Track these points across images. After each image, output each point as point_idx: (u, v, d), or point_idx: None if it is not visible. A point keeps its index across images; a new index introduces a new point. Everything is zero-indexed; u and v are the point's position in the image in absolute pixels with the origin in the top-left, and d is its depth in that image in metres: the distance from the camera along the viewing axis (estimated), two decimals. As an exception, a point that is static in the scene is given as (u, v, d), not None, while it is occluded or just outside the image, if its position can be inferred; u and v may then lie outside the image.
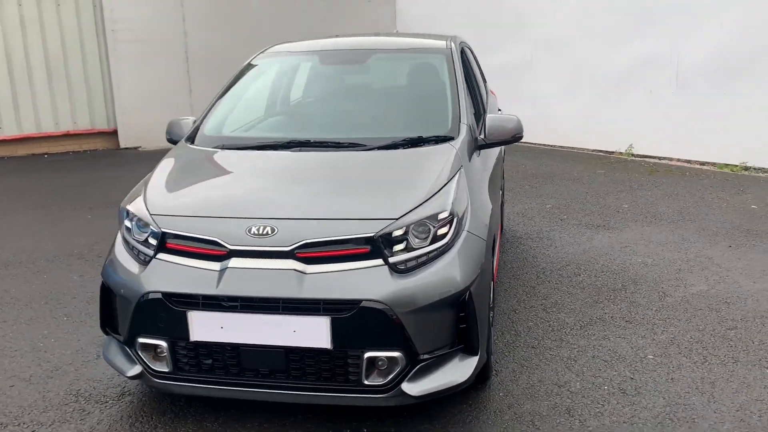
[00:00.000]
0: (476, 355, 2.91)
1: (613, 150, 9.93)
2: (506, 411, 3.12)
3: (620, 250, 5.36)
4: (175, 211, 3.05)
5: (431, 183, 3.06)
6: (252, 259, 2.81)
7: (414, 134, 3.56)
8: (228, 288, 2.77)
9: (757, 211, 6.39)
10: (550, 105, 10.50)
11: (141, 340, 2.94)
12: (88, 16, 10.96)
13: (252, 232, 2.84)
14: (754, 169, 8.31)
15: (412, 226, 2.86)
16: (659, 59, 9.24)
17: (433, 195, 2.99)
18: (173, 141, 4.02)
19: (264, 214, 2.91)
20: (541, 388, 3.31)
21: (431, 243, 2.86)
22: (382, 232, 2.80)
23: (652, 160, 9.29)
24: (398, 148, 3.47)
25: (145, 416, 3.16)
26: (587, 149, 10.20)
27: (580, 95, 10.24)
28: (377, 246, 2.79)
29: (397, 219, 2.84)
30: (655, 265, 4.99)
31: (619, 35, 9.71)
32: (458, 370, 2.87)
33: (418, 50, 4.32)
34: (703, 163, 8.88)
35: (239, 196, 3.15)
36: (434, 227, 2.88)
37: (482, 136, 3.72)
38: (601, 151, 10.02)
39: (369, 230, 2.80)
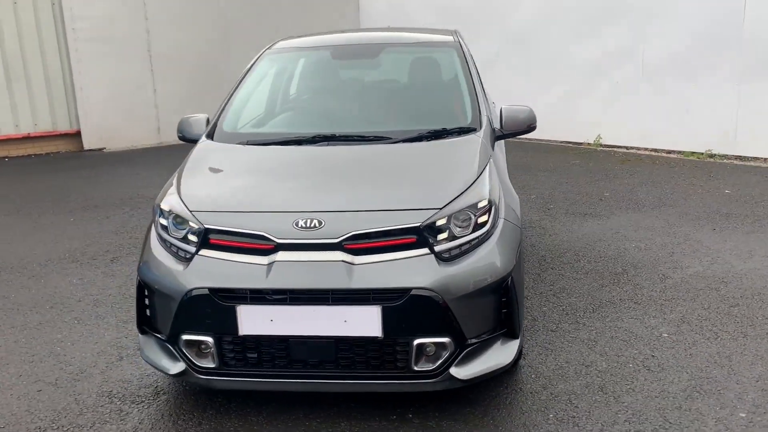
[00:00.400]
0: (517, 338, 3.01)
1: (582, 141, 10.21)
2: (542, 391, 3.23)
3: (612, 236, 5.55)
4: (217, 207, 3.05)
5: (468, 173, 3.15)
6: (300, 252, 2.84)
7: (437, 126, 3.64)
8: (278, 281, 2.79)
9: (731, 195, 6.69)
10: (519, 97, 10.66)
11: (185, 337, 2.93)
12: (46, 14, 10.66)
13: (299, 226, 2.86)
14: (719, 156, 8.68)
15: (454, 215, 2.93)
16: (625, 52, 9.54)
17: (471, 185, 3.07)
18: (185, 139, 3.99)
19: (310, 207, 2.95)
20: (570, 369, 3.43)
21: (473, 231, 2.94)
22: (427, 222, 2.87)
23: (620, 150, 9.60)
24: (422, 140, 3.54)
25: (186, 413, 3.15)
26: (556, 141, 10.45)
27: (548, 88, 10.47)
28: (423, 236, 2.85)
29: (441, 209, 2.92)
30: (649, 250, 5.18)
31: (586, 29, 9.98)
32: (502, 353, 2.96)
33: (428, 44, 4.40)
34: (669, 152, 9.21)
35: (282, 191, 3.18)
36: (475, 216, 2.96)
37: (498, 127, 3.82)
38: (569, 142, 10.29)
39: (415, 220, 2.86)
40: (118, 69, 11.18)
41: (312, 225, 2.86)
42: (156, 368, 3.10)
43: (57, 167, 9.74)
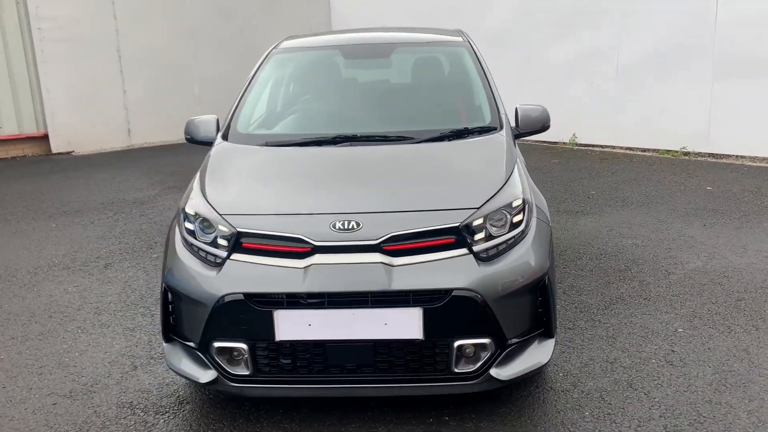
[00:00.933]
0: (553, 337, 3.01)
1: (557, 140, 10.33)
2: (572, 390, 3.24)
3: (607, 233, 5.62)
4: (249, 210, 2.97)
5: (499, 172, 3.14)
6: (337, 255, 2.78)
7: (458, 126, 3.63)
8: (315, 284, 2.73)
9: (714, 192, 6.85)
10: (494, 98, 10.77)
11: (217, 344, 2.85)
12: (11, 12, 10.33)
13: (337, 228, 2.81)
14: (693, 153, 8.88)
15: (490, 214, 2.91)
16: (600, 53, 9.70)
17: (504, 184, 3.06)
18: (194, 140, 3.89)
19: (347, 209, 2.89)
20: (595, 366, 3.45)
21: (509, 231, 2.93)
22: (465, 222, 2.84)
23: (596, 149, 9.76)
24: (444, 140, 3.52)
25: (215, 423, 3.06)
26: (531, 140, 10.53)
27: (523, 89, 10.53)
28: (461, 236, 2.83)
29: (478, 208, 2.90)
30: (646, 246, 5.27)
31: (560, 30, 10.12)
32: (539, 353, 2.96)
33: (439, 43, 4.37)
34: (644, 150, 9.40)
35: (317, 192, 3.11)
36: (510, 215, 2.95)
37: (514, 126, 3.82)
38: (545, 141, 10.40)
39: (454, 220, 2.84)
40: (86, 70, 10.91)
41: (350, 227, 2.81)
42: (184, 377, 3.00)
43: (26, 171, 9.43)
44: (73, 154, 10.90)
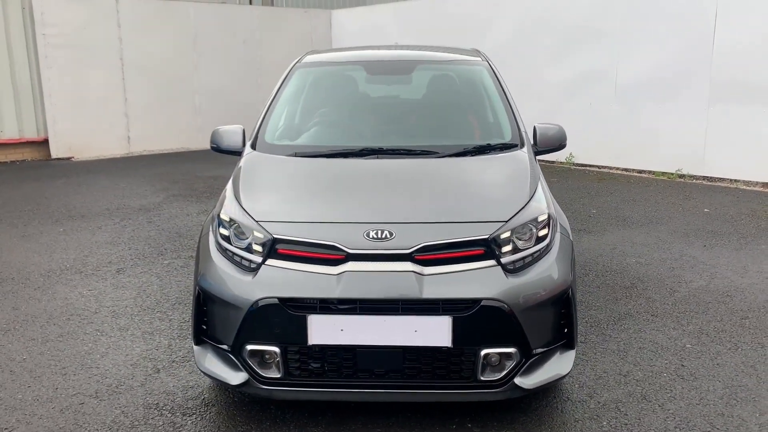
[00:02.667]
0: (574, 348, 3.11)
1: (554, 159, 10.50)
2: (589, 400, 3.34)
3: (611, 252, 5.75)
4: (285, 218, 3.06)
5: (524, 187, 3.25)
6: (370, 263, 2.87)
7: (480, 142, 3.74)
8: (348, 291, 2.81)
9: (711, 214, 7.01)
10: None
11: (249, 347, 2.92)
12: (16, 19, 10.38)
13: (370, 236, 2.90)
14: (689, 176, 9.07)
15: (517, 228, 3.02)
16: (598, 74, 9.90)
17: (530, 199, 3.17)
18: (219, 149, 3.97)
19: (380, 218, 2.99)
20: (609, 379, 3.55)
21: (535, 244, 3.03)
22: (494, 234, 2.95)
23: (593, 169, 9.93)
24: (467, 155, 3.63)
25: (243, 425, 3.12)
26: (530, 159, 10.69)
27: (523, 107, 10.66)
28: (490, 248, 2.93)
29: (506, 221, 3.00)
30: (650, 265, 5.40)
31: (560, 51, 10.31)
32: (561, 363, 3.05)
33: (459, 62, 4.49)
34: (640, 171, 9.59)
35: (350, 202, 3.20)
36: (536, 229, 3.06)
37: (533, 144, 3.94)
38: (542, 160, 10.54)
39: (483, 233, 2.94)
40: (88, 76, 10.97)
41: (383, 236, 2.90)
42: (214, 379, 3.06)
43: (28, 176, 9.45)
44: (72, 159, 10.92)
